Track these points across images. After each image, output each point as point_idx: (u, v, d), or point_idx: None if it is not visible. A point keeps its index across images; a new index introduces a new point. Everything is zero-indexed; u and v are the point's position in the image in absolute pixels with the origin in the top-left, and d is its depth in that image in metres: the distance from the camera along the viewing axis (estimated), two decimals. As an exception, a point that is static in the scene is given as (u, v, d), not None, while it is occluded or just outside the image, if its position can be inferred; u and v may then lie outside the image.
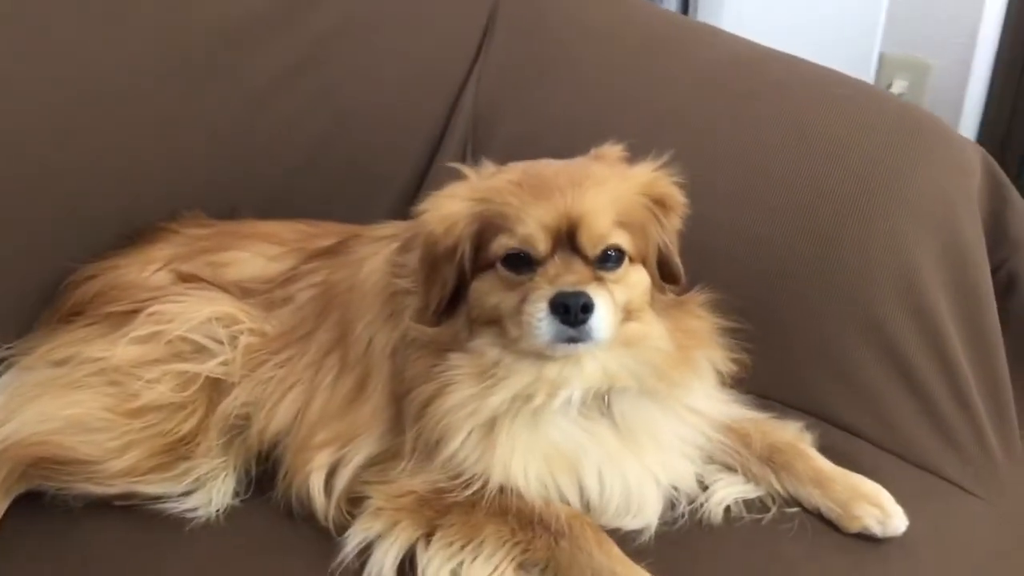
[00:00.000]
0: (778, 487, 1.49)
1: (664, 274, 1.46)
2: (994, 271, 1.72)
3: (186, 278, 1.60)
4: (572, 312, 1.28)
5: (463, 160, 1.91)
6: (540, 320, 1.29)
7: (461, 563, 1.32)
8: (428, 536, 1.35)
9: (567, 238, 1.33)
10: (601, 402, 1.41)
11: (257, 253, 1.64)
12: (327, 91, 1.92)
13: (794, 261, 1.65)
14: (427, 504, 1.37)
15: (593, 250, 1.33)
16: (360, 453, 1.44)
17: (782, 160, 1.71)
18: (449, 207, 1.39)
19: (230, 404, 1.49)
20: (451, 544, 1.33)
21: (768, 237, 1.67)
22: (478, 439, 1.37)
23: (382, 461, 1.44)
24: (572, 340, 1.30)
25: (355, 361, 1.49)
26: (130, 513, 1.45)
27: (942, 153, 1.73)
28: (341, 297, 1.54)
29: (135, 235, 1.71)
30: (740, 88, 1.85)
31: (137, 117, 1.73)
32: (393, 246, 1.56)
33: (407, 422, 1.41)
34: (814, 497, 1.46)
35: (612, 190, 1.36)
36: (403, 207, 1.90)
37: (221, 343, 1.51)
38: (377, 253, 1.56)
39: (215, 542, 1.42)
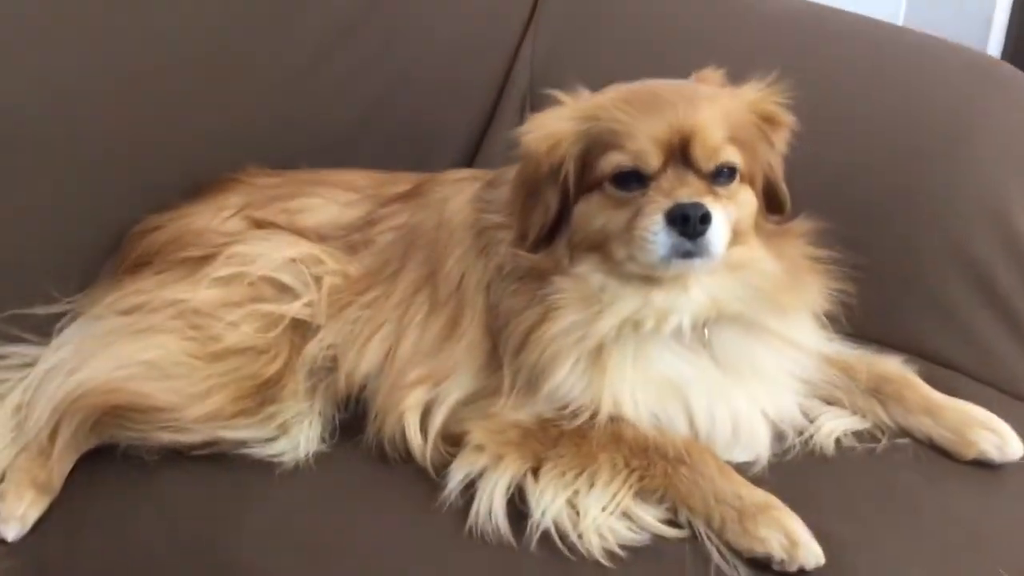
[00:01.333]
0: (886, 419, 1.44)
1: (770, 201, 1.41)
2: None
3: (261, 224, 1.55)
4: (691, 223, 1.23)
5: (521, 120, 1.87)
6: (656, 234, 1.24)
7: (576, 492, 1.25)
8: (536, 470, 1.29)
9: (680, 153, 1.28)
10: (702, 334, 1.36)
11: (331, 200, 1.58)
12: (382, 50, 1.88)
13: (882, 194, 1.62)
14: (533, 437, 1.31)
15: (707, 164, 1.29)
16: (457, 391, 1.38)
17: (861, 101, 1.69)
18: (553, 126, 1.34)
19: (316, 346, 1.43)
20: (564, 474, 1.27)
21: (853, 174, 1.64)
22: (585, 368, 1.32)
23: (480, 398, 1.38)
24: (688, 255, 1.25)
25: (446, 297, 1.43)
26: (212, 461, 1.39)
27: (1016, 87, 1.71)
28: (427, 236, 1.49)
29: (199, 188, 1.64)
30: (808, 35, 1.82)
31: (192, 70, 1.68)
32: (476, 185, 1.52)
33: (506, 356, 1.36)
34: (925, 426, 1.41)
35: (724, 105, 1.32)
36: (461, 167, 1.86)
37: (305, 284, 1.45)
38: (461, 192, 1.51)
39: (308, 485, 1.35)
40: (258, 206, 1.57)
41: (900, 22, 3.13)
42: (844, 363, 1.47)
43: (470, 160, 2.02)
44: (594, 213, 1.32)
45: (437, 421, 1.37)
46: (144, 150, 1.64)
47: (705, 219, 1.23)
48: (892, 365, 1.47)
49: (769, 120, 1.37)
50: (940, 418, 1.41)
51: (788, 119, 1.39)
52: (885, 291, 1.62)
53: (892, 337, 1.58)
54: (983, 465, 1.38)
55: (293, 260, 1.46)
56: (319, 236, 1.53)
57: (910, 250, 1.61)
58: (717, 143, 1.29)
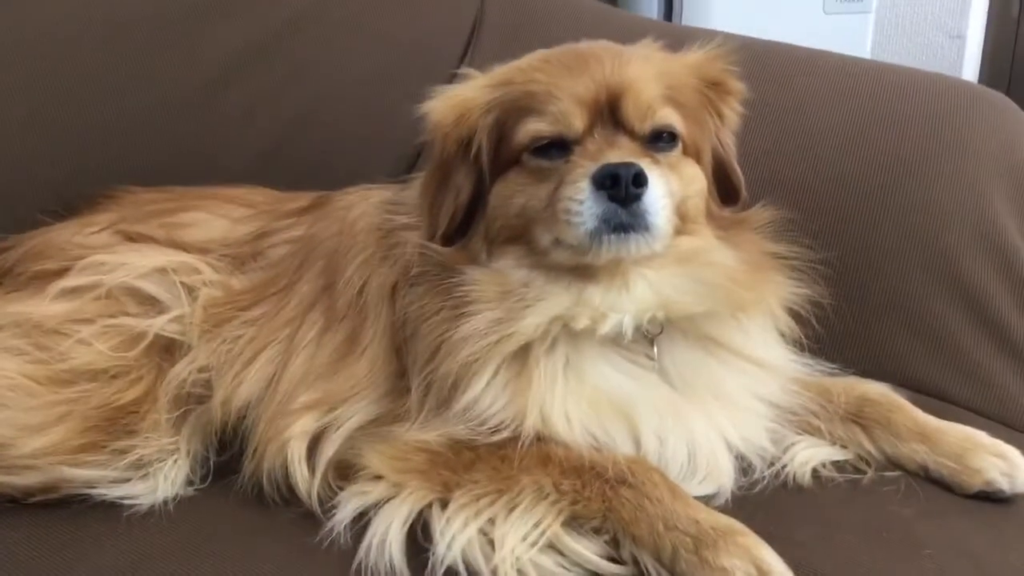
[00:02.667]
0: (871, 447, 1.20)
1: (722, 187, 1.21)
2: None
3: (134, 238, 1.32)
4: (623, 184, 1.02)
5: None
6: (582, 203, 1.04)
7: (491, 520, 1.01)
8: (445, 501, 1.04)
9: (608, 113, 1.09)
10: (648, 343, 1.14)
11: (220, 215, 1.37)
12: (294, 77, 1.71)
13: (864, 212, 1.45)
14: (442, 463, 1.07)
15: (641, 124, 1.10)
16: (356, 416, 1.15)
17: (844, 126, 1.54)
18: (461, 94, 1.16)
19: (185, 368, 1.19)
20: (477, 500, 1.02)
21: (835, 193, 1.47)
22: (507, 377, 1.09)
23: (383, 424, 1.14)
24: (622, 229, 1.04)
25: (345, 309, 1.21)
26: (51, 507, 1.12)
27: (1002, 111, 1.57)
28: (326, 244, 1.27)
29: (74, 206, 1.42)
30: (783, 67, 1.66)
31: (80, 79, 1.50)
32: (384, 193, 1.31)
33: (414, 370, 1.13)
34: (919, 454, 1.18)
35: (660, 64, 1.14)
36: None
37: (175, 296, 1.22)
38: (365, 199, 1.31)
39: (163, 532, 1.09)
40: (133, 220, 1.35)
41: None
42: (819, 386, 1.24)
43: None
44: (512, 193, 1.12)
45: (329, 451, 1.13)
46: (19, 175, 1.47)
47: (639, 180, 1.02)
48: (874, 387, 1.25)
49: (716, 86, 1.18)
50: (937, 444, 1.17)
51: (738, 85, 1.20)
52: (868, 316, 1.42)
53: (875, 363, 1.38)
54: (988, 499, 1.14)
55: (162, 269, 1.23)
56: (201, 250, 1.30)
57: (893, 269, 1.42)
58: (650, 99, 1.10)
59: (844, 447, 1.21)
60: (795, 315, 1.25)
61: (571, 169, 1.06)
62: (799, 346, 1.27)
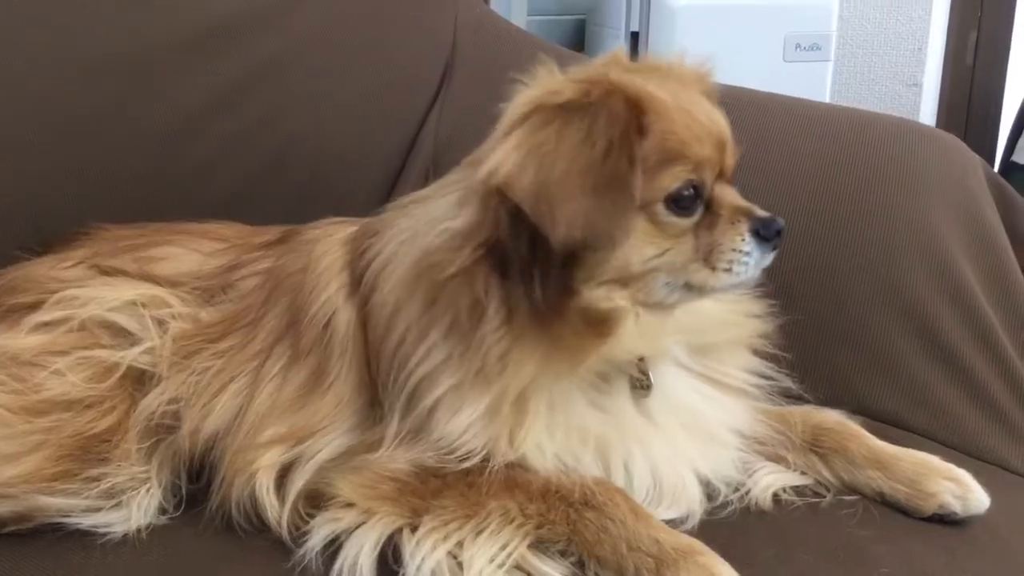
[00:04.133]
0: (828, 475, 1.24)
1: None
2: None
3: (108, 272, 1.34)
4: (782, 236, 1.11)
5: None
6: (749, 253, 1.11)
7: (460, 543, 1.03)
8: (413, 525, 1.06)
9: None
10: (641, 376, 1.17)
11: (193, 249, 1.38)
12: (273, 115, 1.74)
13: (818, 245, 1.50)
14: (411, 491, 1.09)
15: (730, 172, 1.15)
16: (324, 450, 1.17)
17: (796, 162, 1.59)
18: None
19: (155, 399, 1.20)
20: (446, 524, 1.04)
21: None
22: (486, 409, 1.10)
23: (354, 455, 1.16)
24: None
25: (311, 345, 1.23)
26: (22, 539, 1.13)
27: (952, 149, 1.62)
28: (292, 279, 1.29)
29: (50, 243, 1.44)
30: (736, 111, 1.71)
31: (56, 122, 1.52)
32: (350, 228, 1.34)
33: (395, 400, 1.14)
34: (875, 480, 1.21)
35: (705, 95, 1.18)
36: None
37: (146, 328, 1.24)
38: (331, 234, 1.33)
39: (135, 562, 1.10)
40: (107, 255, 1.36)
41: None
42: (778, 414, 1.28)
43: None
44: (642, 243, 1.09)
45: (299, 482, 1.15)
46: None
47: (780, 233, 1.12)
48: (830, 415, 1.28)
49: (712, 100, 1.21)
50: (892, 470, 1.21)
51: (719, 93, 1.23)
52: (825, 346, 1.46)
53: (832, 392, 1.40)
54: (942, 522, 1.18)
55: (133, 302, 1.25)
56: (172, 284, 1.32)
57: (849, 303, 1.46)
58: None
59: (804, 473, 1.24)
60: (764, 345, 1.29)
61: (720, 221, 1.11)
62: (765, 376, 1.31)
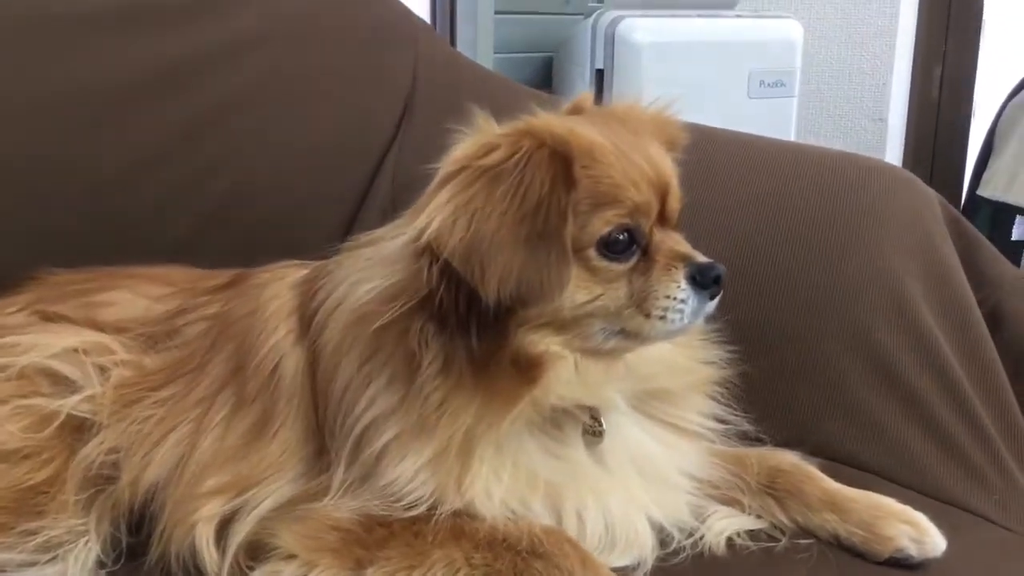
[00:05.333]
0: (783, 518, 1.22)
1: None
2: (976, 310, 1.56)
3: (52, 318, 1.31)
4: (721, 283, 1.08)
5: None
6: (684, 301, 1.08)
7: (403, 594, 1.00)
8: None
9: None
10: (594, 423, 1.15)
11: (140, 294, 1.36)
12: (223, 161, 1.71)
13: (777, 284, 1.48)
14: (355, 541, 1.07)
15: (675, 217, 1.13)
16: (268, 500, 1.14)
17: (756, 199, 1.58)
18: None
19: (95, 449, 1.18)
20: (391, 575, 1.01)
21: (745, 264, 1.50)
22: (434, 455, 1.08)
23: (299, 504, 1.13)
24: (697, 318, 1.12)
25: (256, 392, 1.20)
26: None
27: (907, 186, 1.61)
28: (238, 325, 1.27)
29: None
30: (693, 147, 1.71)
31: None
32: (301, 272, 1.32)
33: (342, 446, 1.12)
34: (831, 523, 1.19)
35: (658, 140, 1.16)
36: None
37: (87, 376, 1.21)
38: (281, 278, 1.31)
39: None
40: (51, 301, 1.34)
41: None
42: (734, 456, 1.26)
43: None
44: (574, 288, 1.07)
45: (240, 533, 1.12)
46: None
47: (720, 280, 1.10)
48: (786, 457, 1.27)
49: (672, 146, 1.20)
50: (847, 512, 1.19)
51: (683, 136, 1.23)
52: (783, 387, 1.45)
53: (792, 436, 1.38)
54: (899, 565, 1.15)
55: (74, 349, 1.22)
56: (117, 330, 1.30)
57: (806, 341, 1.45)
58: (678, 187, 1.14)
59: (758, 517, 1.22)
60: (720, 389, 1.28)
61: (655, 267, 1.08)
62: (721, 420, 1.29)
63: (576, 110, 1.25)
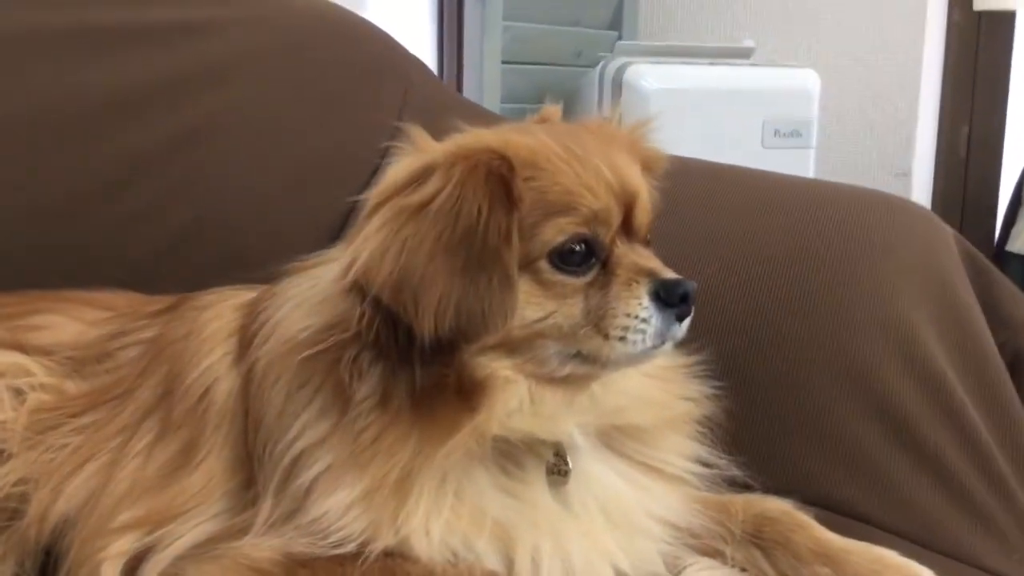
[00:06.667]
0: (771, 571, 1.08)
1: None
2: (995, 353, 1.42)
3: (-26, 342, 1.21)
4: (690, 301, 0.97)
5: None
6: (647, 320, 0.96)
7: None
8: (270, 625, 0.91)
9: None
10: (558, 460, 1.03)
11: (76, 317, 1.26)
12: (183, 191, 1.63)
13: (770, 315, 1.36)
14: (274, 583, 0.94)
15: (643, 230, 1.03)
16: (186, 536, 1.03)
17: (752, 230, 1.46)
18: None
19: (0, 480, 1.06)
20: (308, 622, 0.89)
21: (734, 295, 1.39)
22: (370, 488, 0.97)
23: (221, 541, 1.01)
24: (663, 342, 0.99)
25: (182, 418, 1.10)
26: None
27: (918, 219, 1.50)
28: (173, 347, 1.16)
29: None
30: (687, 178, 1.61)
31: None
32: (248, 295, 1.21)
33: (270, 477, 1.01)
34: (823, 578, 1.05)
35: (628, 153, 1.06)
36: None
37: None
38: (224, 300, 1.21)
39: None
40: (-23, 324, 1.24)
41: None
42: (719, 504, 1.13)
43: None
44: (524, 304, 0.97)
45: (151, 575, 0.99)
46: None
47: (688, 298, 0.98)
48: (775, 504, 1.13)
49: (647, 167, 1.10)
50: (843, 565, 1.05)
51: (662, 159, 1.13)
52: (777, 430, 1.32)
53: (786, 483, 1.24)
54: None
55: (-12, 371, 1.12)
56: (43, 352, 1.20)
57: (804, 382, 1.32)
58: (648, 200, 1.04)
59: (743, 570, 1.09)
60: (703, 427, 1.15)
61: (614, 282, 0.97)
62: (704, 463, 1.16)
63: (542, 122, 1.15)
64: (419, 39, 3.02)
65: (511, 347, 0.97)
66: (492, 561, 0.97)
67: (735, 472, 1.17)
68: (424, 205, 0.94)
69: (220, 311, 1.18)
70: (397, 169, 1.00)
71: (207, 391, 1.10)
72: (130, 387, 1.15)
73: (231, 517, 1.03)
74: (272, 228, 1.69)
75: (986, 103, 3.50)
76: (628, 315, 0.96)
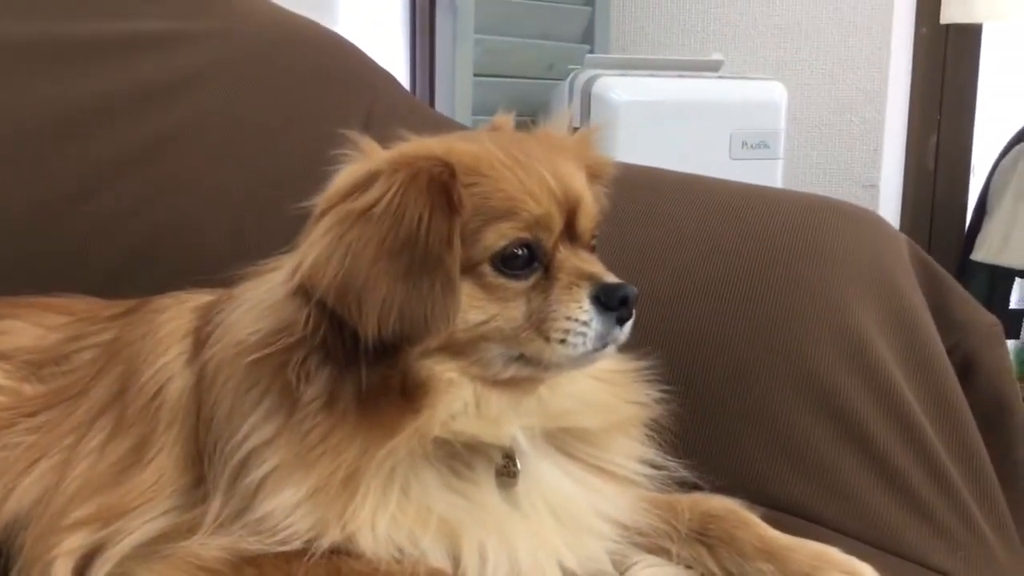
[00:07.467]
0: (715, 568, 1.10)
1: None
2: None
3: (-69, 346, 1.23)
4: (630, 305, 0.99)
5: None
6: (587, 323, 0.99)
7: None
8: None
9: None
10: (507, 462, 1.05)
11: (35, 322, 1.28)
12: (147, 201, 1.65)
13: (718, 318, 1.37)
14: (220, 582, 0.95)
15: (587, 235, 1.05)
16: (136, 532, 1.04)
17: (707, 235, 1.48)
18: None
19: (-49, 481, 1.08)
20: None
21: (685, 298, 1.40)
22: (317, 485, 0.98)
23: (171, 540, 1.02)
24: (604, 344, 1.01)
25: (136, 416, 1.11)
26: None
27: (867, 225, 1.52)
28: (130, 348, 1.18)
29: None
30: (641, 185, 1.63)
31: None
32: (204, 298, 1.23)
33: (219, 475, 1.02)
34: (766, 574, 1.07)
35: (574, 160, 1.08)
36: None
37: (-46, 400, 1.12)
38: (183, 302, 1.22)
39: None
40: (-65, 328, 1.25)
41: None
42: (666, 503, 1.14)
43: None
44: (466, 308, 0.99)
45: (100, 572, 1.00)
46: None
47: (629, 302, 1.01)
48: (720, 502, 1.15)
49: (594, 174, 1.12)
50: (786, 562, 1.07)
51: (610, 166, 1.15)
52: (725, 430, 1.33)
53: (735, 482, 1.25)
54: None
55: (-57, 371, 1.13)
56: (5, 357, 1.21)
57: (752, 382, 1.33)
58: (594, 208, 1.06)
59: (688, 567, 1.10)
60: (652, 430, 1.17)
61: (556, 286, 1.00)
62: (654, 465, 1.18)
63: (493, 131, 1.18)
64: (391, 52, 3.04)
65: (455, 349, 0.99)
66: (438, 558, 0.99)
67: (685, 474, 1.20)
68: (367, 210, 0.96)
69: (177, 312, 1.20)
70: (343, 176, 1.02)
71: (160, 389, 1.11)
72: (85, 387, 1.16)
73: (181, 514, 1.05)
74: (239, 235, 1.70)
75: (954, 115, 3.54)
76: (568, 318, 0.98)
